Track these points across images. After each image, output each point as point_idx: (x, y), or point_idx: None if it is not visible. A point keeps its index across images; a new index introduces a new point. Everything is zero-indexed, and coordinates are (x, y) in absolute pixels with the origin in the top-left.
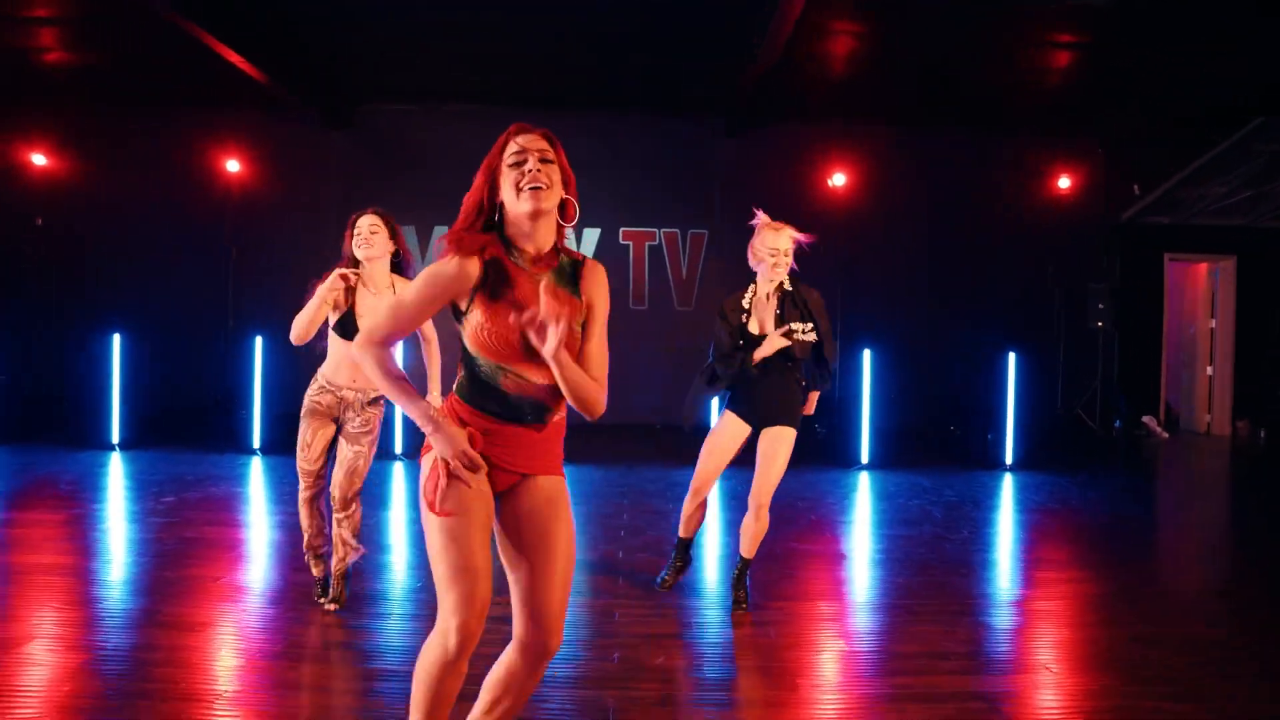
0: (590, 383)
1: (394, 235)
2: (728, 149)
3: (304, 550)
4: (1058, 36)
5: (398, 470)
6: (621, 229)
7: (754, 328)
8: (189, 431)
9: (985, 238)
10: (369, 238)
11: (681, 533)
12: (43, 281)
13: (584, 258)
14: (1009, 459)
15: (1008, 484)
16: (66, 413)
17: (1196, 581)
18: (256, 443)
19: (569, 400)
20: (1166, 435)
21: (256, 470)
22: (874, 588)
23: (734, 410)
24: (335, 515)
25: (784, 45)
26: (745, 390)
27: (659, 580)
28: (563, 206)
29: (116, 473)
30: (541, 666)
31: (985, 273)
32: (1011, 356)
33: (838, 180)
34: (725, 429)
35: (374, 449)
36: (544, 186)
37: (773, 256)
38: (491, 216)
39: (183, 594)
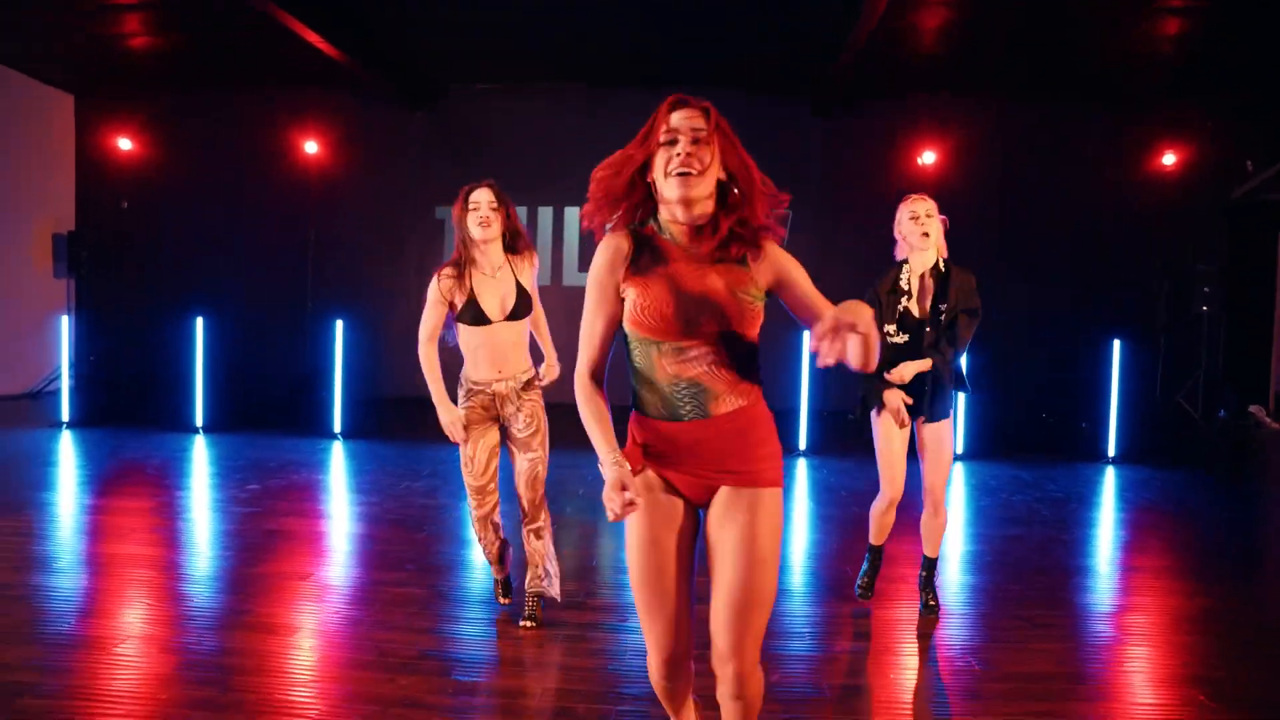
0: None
1: (510, 213)
2: (815, 129)
3: (532, 583)
4: (1165, 1)
5: None
6: None
7: (915, 310)
8: (271, 415)
9: (1085, 218)
10: (489, 215)
11: (874, 540)
12: (130, 264)
13: (766, 237)
14: (1111, 451)
15: (1109, 478)
16: (152, 395)
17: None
18: (338, 427)
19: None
20: (1276, 425)
21: (338, 455)
22: (987, 594)
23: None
24: (526, 528)
25: (876, 25)
26: (914, 389)
27: (859, 587)
28: (725, 189)
29: (201, 457)
30: (735, 689)
31: (1085, 254)
32: (1116, 344)
33: (927, 158)
34: (887, 431)
35: (547, 445)
36: (694, 172)
37: (914, 222)
38: (645, 194)
39: (268, 592)
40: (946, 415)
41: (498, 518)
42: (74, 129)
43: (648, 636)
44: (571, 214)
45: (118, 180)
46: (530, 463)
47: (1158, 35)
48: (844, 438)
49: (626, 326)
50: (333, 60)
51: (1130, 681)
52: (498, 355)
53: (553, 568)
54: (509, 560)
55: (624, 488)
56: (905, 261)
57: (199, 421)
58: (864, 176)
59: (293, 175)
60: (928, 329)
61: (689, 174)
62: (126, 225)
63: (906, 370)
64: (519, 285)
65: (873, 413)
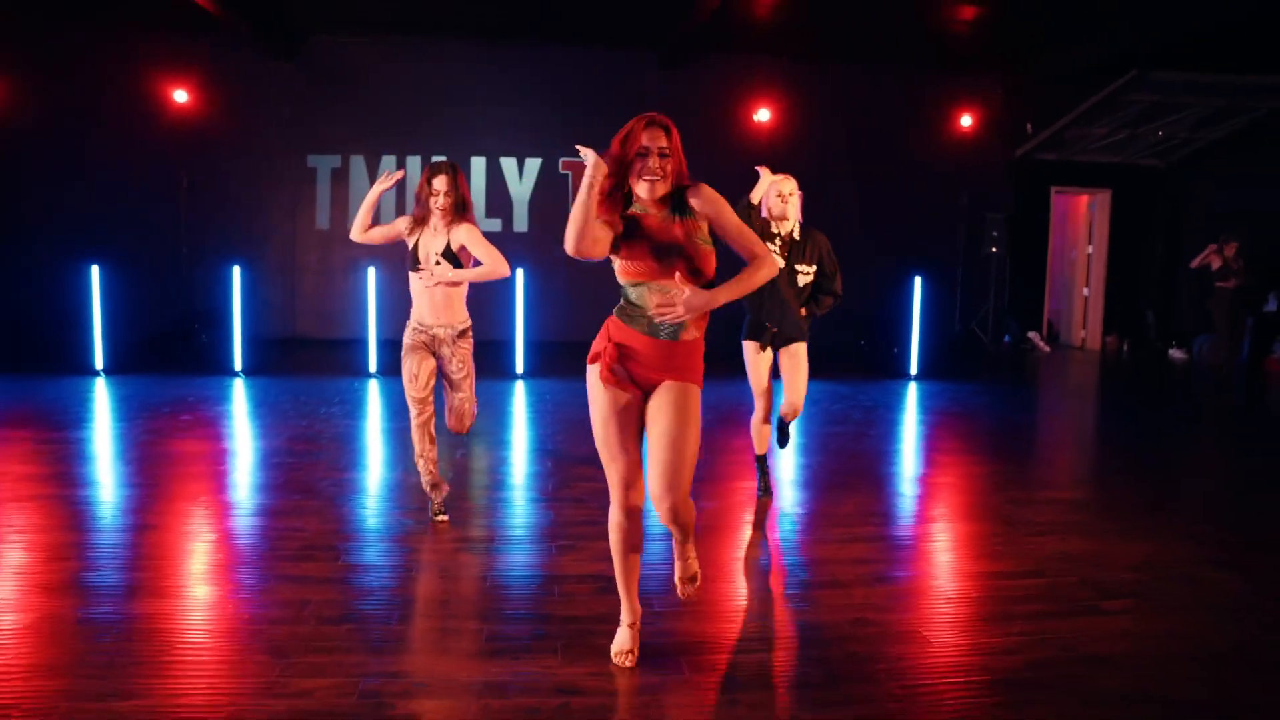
0: (752, 274)
1: (458, 187)
2: (661, 82)
3: (422, 481)
4: None
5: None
6: (561, 159)
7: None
8: (163, 356)
9: (895, 169)
10: (443, 201)
11: (759, 450)
12: None
13: (689, 184)
14: (913, 370)
15: (912, 391)
16: (40, 340)
17: (1065, 461)
18: (238, 365)
19: (750, 287)
20: (1048, 349)
21: (239, 391)
22: (809, 471)
23: (751, 339)
24: (419, 443)
25: None
26: (756, 319)
27: (760, 491)
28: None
29: (105, 397)
30: (670, 517)
31: (895, 201)
32: (917, 280)
33: (762, 115)
34: (751, 357)
35: (473, 388)
36: (660, 178)
37: (780, 199)
38: (621, 187)
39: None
40: (802, 339)
41: (434, 430)
42: None
43: (611, 482)
44: (477, 164)
45: None
46: (460, 401)
47: (957, 17)
48: (555, 362)
49: (621, 279)
50: (201, 7)
51: (943, 517)
52: (434, 305)
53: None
54: (444, 485)
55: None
56: (768, 220)
57: (99, 364)
58: (706, 129)
59: (163, 121)
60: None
61: (655, 179)
62: None
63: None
64: (448, 246)
65: (743, 342)
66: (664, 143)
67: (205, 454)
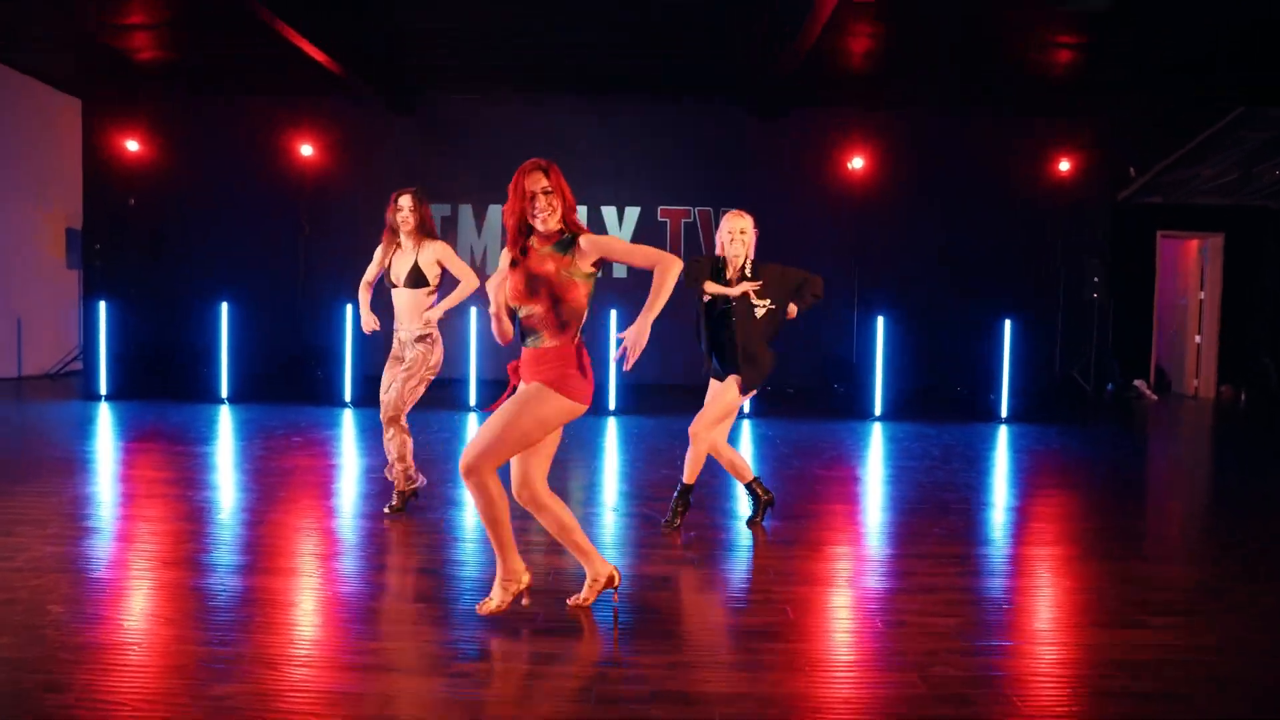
0: (661, 276)
1: (421, 208)
2: (757, 132)
3: (388, 472)
4: (1059, 37)
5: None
6: (659, 207)
7: (729, 293)
8: (281, 387)
9: (992, 216)
10: (408, 217)
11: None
12: (140, 256)
13: (581, 233)
14: (1004, 413)
15: (1001, 433)
16: (174, 371)
17: (1176, 517)
18: (348, 397)
19: (663, 286)
20: (1156, 397)
21: (349, 420)
22: (886, 506)
23: (712, 375)
24: (385, 435)
25: (815, 41)
26: (715, 353)
27: (664, 520)
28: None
29: (228, 422)
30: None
31: (992, 248)
32: (1008, 323)
33: (856, 163)
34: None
35: (412, 385)
36: (549, 212)
37: (730, 236)
38: (525, 231)
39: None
40: (737, 372)
41: (402, 424)
42: (80, 131)
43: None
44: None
45: (124, 179)
46: (393, 390)
47: (1053, 61)
48: (648, 401)
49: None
50: (324, 68)
51: (1038, 553)
52: (400, 313)
53: (394, 473)
54: (408, 475)
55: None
56: (722, 258)
57: (224, 393)
58: (801, 177)
59: (288, 174)
60: (733, 311)
61: (545, 214)
62: (134, 220)
63: (730, 290)
64: (416, 263)
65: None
66: (545, 183)
67: (314, 468)
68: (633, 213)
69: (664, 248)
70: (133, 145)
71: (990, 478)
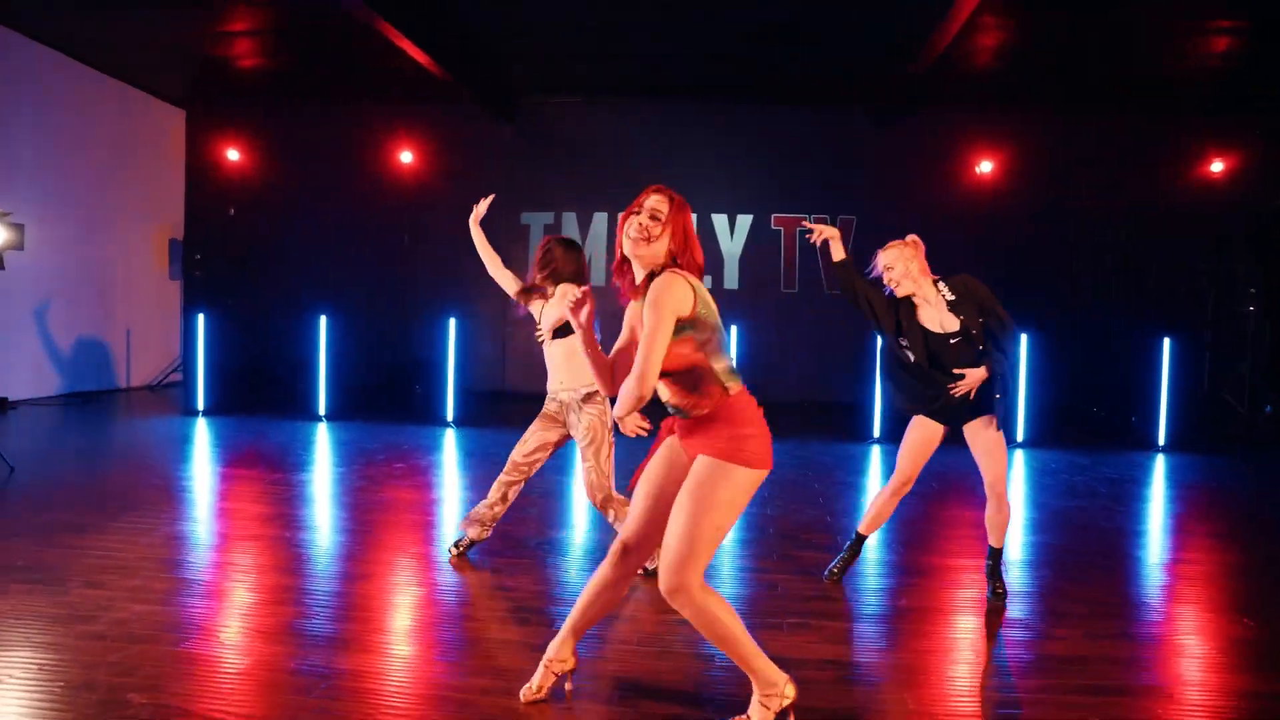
0: (624, 383)
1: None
2: (873, 138)
3: (473, 515)
4: (1214, 22)
5: None
6: (773, 215)
7: (936, 327)
8: (384, 404)
9: (1136, 222)
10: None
11: (862, 529)
12: (239, 266)
13: (660, 272)
14: (1161, 440)
15: (1159, 463)
16: (272, 386)
17: None
18: (450, 415)
19: (607, 383)
20: None
21: (450, 441)
22: (1043, 551)
23: (932, 415)
24: (605, 517)
25: (945, 47)
26: (930, 392)
27: (827, 571)
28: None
29: (326, 442)
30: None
31: (1133, 258)
32: (1166, 341)
33: (984, 167)
34: (918, 422)
35: (604, 453)
36: (641, 239)
37: (888, 272)
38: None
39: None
40: (989, 412)
41: (513, 494)
42: (184, 141)
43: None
44: None
45: (225, 189)
46: (586, 470)
47: (1205, 52)
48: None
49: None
50: (428, 74)
51: (1185, 608)
52: (556, 368)
53: None
54: (484, 529)
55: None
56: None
57: (322, 410)
58: (921, 184)
59: (389, 183)
60: (952, 343)
61: (635, 238)
62: (235, 230)
63: (971, 378)
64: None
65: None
66: (653, 203)
67: (417, 503)
68: (744, 220)
69: (779, 256)
70: (233, 155)
71: (1170, 522)
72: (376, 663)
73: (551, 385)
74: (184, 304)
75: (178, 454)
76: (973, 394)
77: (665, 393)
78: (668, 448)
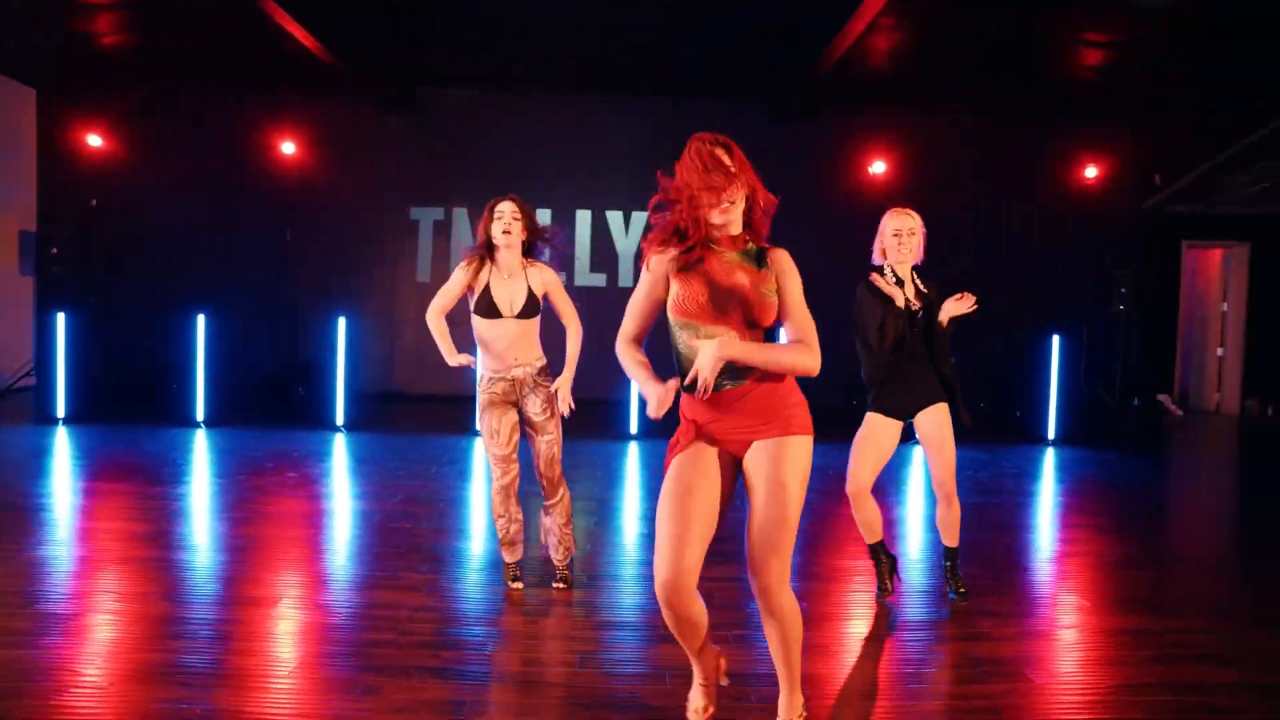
0: (794, 356)
1: (531, 223)
2: (772, 136)
3: (499, 541)
4: (1089, 35)
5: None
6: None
7: (900, 303)
8: (263, 409)
9: (1015, 223)
10: (510, 224)
11: (869, 540)
12: (103, 262)
13: (769, 247)
14: (1050, 435)
15: (1049, 457)
16: (142, 391)
17: (1211, 539)
18: (339, 420)
19: (781, 365)
20: (1180, 413)
21: (340, 447)
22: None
23: (879, 409)
24: (545, 503)
25: (847, 49)
26: (890, 384)
27: (879, 591)
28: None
29: (204, 451)
30: (765, 604)
31: (1014, 257)
32: (1055, 339)
33: (878, 168)
34: (875, 430)
35: (560, 427)
36: (729, 205)
37: (896, 240)
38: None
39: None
40: (943, 400)
41: (517, 490)
42: (35, 124)
43: (657, 553)
44: (544, 217)
45: (86, 178)
46: (547, 444)
47: (1082, 64)
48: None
49: (670, 315)
50: (314, 59)
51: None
52: (512, 346)
53: (558, 541)
54: (521, 546)
55: (660, 396)
56: (883, 266)
57: (200, 415)
58: (817, 183)
59: (270, 176)
60: (920, 317)
61: (726, 206)
62: (97, 224)
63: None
64: (529, 289)
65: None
66: (729, 162)
67: (305, 514)
68: (640, 218)
69: None
70: (95, 141)
71: (1060, 515)
72: (257, 699)
73: (501, 365)
74: (38, 302)
75: (36, 467)
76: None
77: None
78: (693, 459)
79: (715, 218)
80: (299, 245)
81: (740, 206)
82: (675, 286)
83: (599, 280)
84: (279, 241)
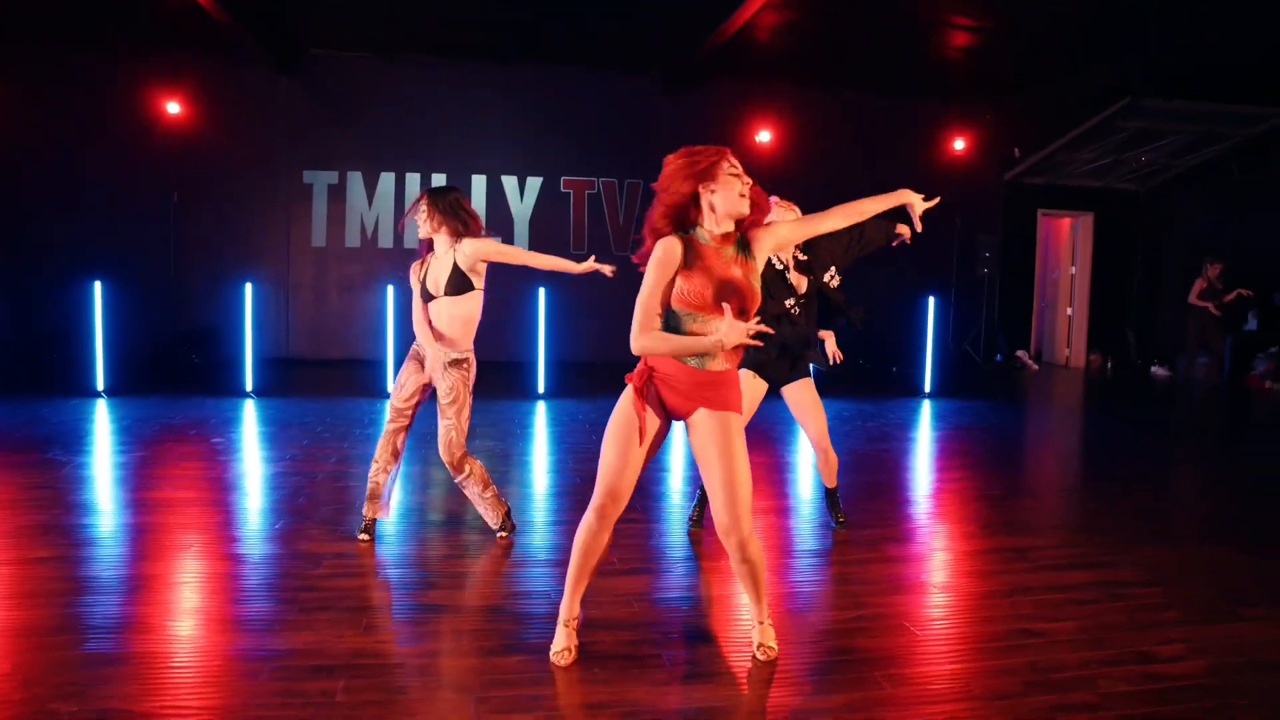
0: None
1: (442, 213)
2: (663, 105)
3: (369, 493)
4: (956, 18)
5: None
6: (563, 177)
7: (796, 284)
8: (161, 376)
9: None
10: (423, 224)
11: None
12: None
13: (749, 229)
14: (927, 388)
15: (926, 408)
16: (36, 363)
17: (1053, 472)
18: (249, 385)
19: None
20: (1036, 367)
21: (250, 412)
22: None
23: (755, 369)
24: (456, 480)
25: (743, 23)
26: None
27: (688, 520)
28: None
29: (106, 420)
30: (741, 554)
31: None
32: (931, 300)
33: (763, 137)
34: (751, 389)
35: (464, 413)
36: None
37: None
38: (687, 213)
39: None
40: (807, 375)
41: (401, 444)
42: None
43: (601, 477)
44: (439, 180)
45: None
46: (445, 429)
47: (950, 45)
48: (576, 382)
49: (673, 305)
50: (200, 11)
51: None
52: (439, 326)
53: (484, 508)
54: (379, 504)
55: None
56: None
57: (99, 385)
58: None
59: (152, 135)
60: (802, 301)
61: (744, 196)
62: None
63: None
64: (455, 265)
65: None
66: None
67: (214, 480)
68: (534, 183)
69: (568, 218)
70: None
71: (938, 458)
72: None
73: (419, 341)
74: None
75: None
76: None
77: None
78: (632, 413)
79: (742, 206)
80: (188, 209)
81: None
82: (680, 281)
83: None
84: (166, 205)
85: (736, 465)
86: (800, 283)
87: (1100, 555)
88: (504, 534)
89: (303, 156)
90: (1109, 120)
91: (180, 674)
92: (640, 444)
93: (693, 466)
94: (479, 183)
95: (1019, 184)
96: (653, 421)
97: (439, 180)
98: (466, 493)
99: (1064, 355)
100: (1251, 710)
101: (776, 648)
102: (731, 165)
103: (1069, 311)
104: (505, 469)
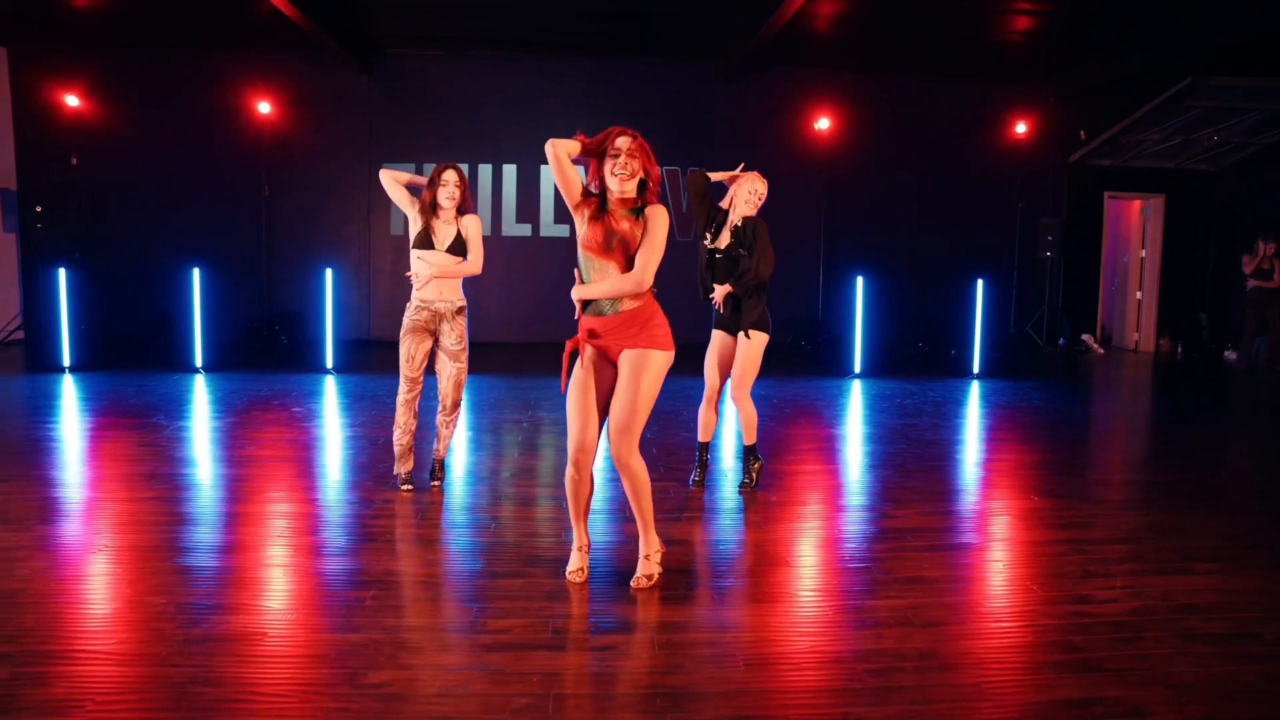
0: (615, 281)
1: (464, 187)
2: (724, 93)
3: (394, 448)
4: (1017, 2)
5: None
6: None
7: (720, 241)
8: (252, 355)
9: (952, 177)
10: (454, 192)
11: (701, 438)
12: (86, 218)
13: (652, 203)
14: (976, 369)
15: (975, 388)
16: (141, 340)
17: (1118, 453)
18: (329, 363)
19: (611, 289)
20: (1102, 351)
21: (331, 387)
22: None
23: (718, 326)
24: (443, 417)
25: (796, 10)
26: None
27: (690, 481)
28: (644, 184)
29: (204, 392)
30: (616, 464)
31: (952, 208)
32: (979, 283)
33: (822, 124)
34: (715, 343)
35: (467, 359)
36: (627, 176)
37: (752, 196)
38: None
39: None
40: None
41: (417, 406)
42: (8, 82)
43: (570, 434)
44: (509, 171)
45: (65, 137)
46: (456, 370)
47: (1011, 28)
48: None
49: (579, 248)
50: (285, 20)
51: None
52: (439, 282)
53: (444, 434)
54: (410, 458)
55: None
56: (725, 211)
57: (198, 362)
58: (767, 138)
59: (245, 133)
60: (719, 257)
61: (623, 175)
62: (79, 181)
63: (716, 293)
64: (459, 233)
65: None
66: (630, 144)
67: (292, 441)
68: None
69: None
70: (72, 100)
71: (982, 431)
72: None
73: (427, 295)
74: (23, 258)
75: (56, 410)
76: (724, 308)
77: (611, 272)
78: (590, 361)
79: (612, 183)
80: (277, 201)
81: (636, 179)
82: (582, 227)
83: (564, 230)
84: (257, 197)
85: (633, 389)
86: (723, 240)
87: (1073, 518)
88: (436, 482)
89: (381, 150)
90: (1174, 100)
91: (249, 579)
92: (593, 394)
93: (738, 439)
94: (545, 173)
95: (1085, 166)
96: (602, 374)
97: (510, 171)
98: (445, 430)
99: (1133, 340)
100: (1162, 643)
101: (654, 576)
102: (615, 147)
103: (1138, 295)
104: (538, 435)
